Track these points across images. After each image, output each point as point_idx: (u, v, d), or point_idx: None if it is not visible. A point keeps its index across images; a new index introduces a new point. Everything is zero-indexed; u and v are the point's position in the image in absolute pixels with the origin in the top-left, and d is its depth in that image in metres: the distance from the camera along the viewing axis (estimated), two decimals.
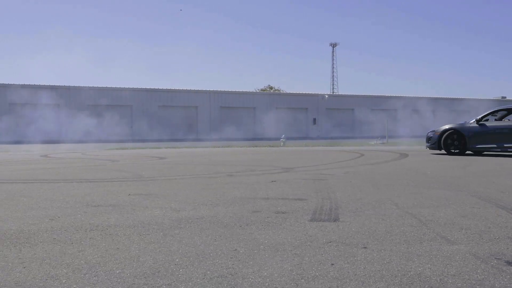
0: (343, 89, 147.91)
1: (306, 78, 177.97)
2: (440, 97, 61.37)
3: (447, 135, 17.84)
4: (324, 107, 52.63)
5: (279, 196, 7.44)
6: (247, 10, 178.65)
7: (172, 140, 41.66)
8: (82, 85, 43.88)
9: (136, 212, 6.20)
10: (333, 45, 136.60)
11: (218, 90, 48.38)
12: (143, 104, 45.18)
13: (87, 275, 3.55)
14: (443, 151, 18.25)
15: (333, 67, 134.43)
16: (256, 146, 32.29)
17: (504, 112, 17.85)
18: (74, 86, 44.59)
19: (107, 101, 43.41)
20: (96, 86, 43.88)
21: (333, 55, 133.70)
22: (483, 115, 17.95)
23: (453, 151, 17.69)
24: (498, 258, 3.91)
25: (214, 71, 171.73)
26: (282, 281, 3.38)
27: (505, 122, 17.30)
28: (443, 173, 11.17)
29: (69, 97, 42.24)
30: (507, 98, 77.48)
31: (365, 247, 4.30)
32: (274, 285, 3.30)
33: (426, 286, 3.27)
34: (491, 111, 18.36)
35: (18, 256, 4.08)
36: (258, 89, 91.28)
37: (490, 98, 71.51)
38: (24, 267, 3.76)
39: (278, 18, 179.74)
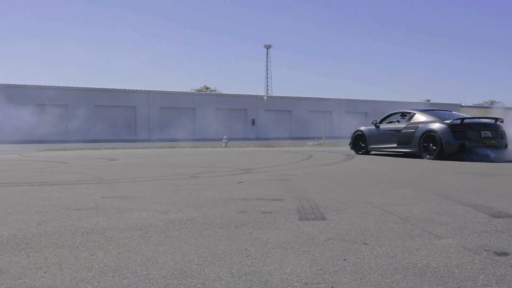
0: (277, 90, 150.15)
1: (242, 79, 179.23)
2: (372, 99, 63.99)
3: (356, 136, 19.13)
4: (262, 108, 53.38)
5: (255, 197, 7.65)
6: (181, 11, 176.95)
7: (110, 141, 40.61)
8: (15, 84, 41.75)
9: (122, 214, 6.20)
10: (268, 47, 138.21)
11: (157, 90, 47.78)
12: (79, 104, 43.69)
13: (115, 277, 3.60)
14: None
15: (267, 68, 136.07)
16: (198, 147, 32.25)
17: (398, 116, 19.05)
18: (6, 84, 42.34)
19: (41, 100, 41.55)
20: (29, 84, 41.91)
21: (267, 56, 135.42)
22: (382, 118, 19.25)
23: (359, 152, 18.89)
24: (486, 250, 4.34)
25: (152, 71, 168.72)
26: (308, 276, 3.61)
27: (392, 125, 18.44)
28: (397, 173, 11.85)
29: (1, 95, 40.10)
30: (432, 101, 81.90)
31: (365, 243, 4.61)
32: (303, 280, 3.52)
33: (438, 276, 3.61)
34: (388, 114, 19.63)
35: (31, 262, 4.04)
36: (195, 90, 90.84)
37: (416, 101, 75.19)
38: (45, 272, 3.74)
39: (213, 20, 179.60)
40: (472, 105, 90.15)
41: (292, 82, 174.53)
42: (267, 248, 4.46)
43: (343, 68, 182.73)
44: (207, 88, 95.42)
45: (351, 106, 56.95)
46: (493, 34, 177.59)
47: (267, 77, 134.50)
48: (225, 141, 36.08)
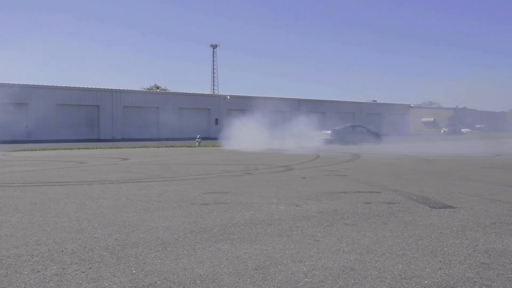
0: (223, 90, 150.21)
1: (189, 79, 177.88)
2: (329, 99, 65.96)
3: None
4: (226, 108, 53.88)
5: (350, 190, 8.42)
6: (125, 10, 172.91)
7: (72, 141, 39.58)
8: None
9: (264, 207, 6.77)
10: (214, 46, 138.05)
11: (121, 89, 46.96)
12: (41, 102, 42.20)
13: (368, 254, 4.26)
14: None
15: (213, 68, 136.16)
16: (172, 146, 32.25)
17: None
18: None
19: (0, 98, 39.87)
20: None
21: (213, 56, 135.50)
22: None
23: None
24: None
25: (101, 71, 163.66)
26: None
27: None
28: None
29: None
30: (378, 102, 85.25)
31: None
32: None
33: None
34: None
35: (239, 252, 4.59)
36: (145, 88, 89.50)
37: (362, 101, 77.94)
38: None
39: (157, 20, 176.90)
40: (418, 105, 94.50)
41: (238, 82, 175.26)
42: (445, 232, 5.23)
43: (291, 68, 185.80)
44: (158, 87, 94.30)
45: (311, 106, 58.63)
46: (440, 34, 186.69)
47: (213, 77, 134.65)
48: (199, 140, 36.28)
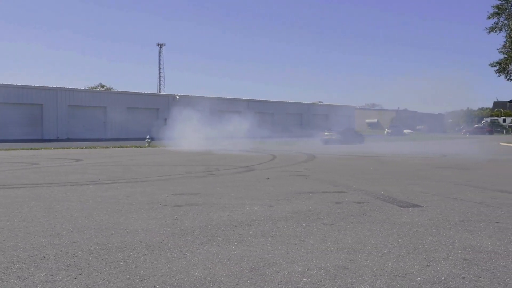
0: (170, 90, 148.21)
1: (136, 78, 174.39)
2: (273, 100, 66.60)
3: None
4: (175, 108, 53.04)
5: (317, 190, 8.58)
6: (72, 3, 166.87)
7: (13, 141, 37.80)
8: None
9: (238, 208, 6.79)
10: (160, 46, 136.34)
11: (66, 87, 45.27)
12: None
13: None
14: None
15: (160, 67, 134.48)
16: (122, 147, 31.68)
17: None
18: None
19: None
20: None
21: (160, 55, 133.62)
22: None
23: None
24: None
25: (45, 70, 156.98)
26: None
27: None
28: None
29: None
30: (324, 103, 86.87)
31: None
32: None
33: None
34: None
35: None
36: (89, 87, 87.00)
37: (308, 102, 79.08)
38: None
39: (103, 21, 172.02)
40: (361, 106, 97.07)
41: (186, 82, 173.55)
42: (420, 230, 5.46)
43: (238, 68, 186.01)
44: (103, 86, 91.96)
45: (260, 106, 58.99)
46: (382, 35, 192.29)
47: (159, 76, 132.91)
48: (148, 140, 35.82)
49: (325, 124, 63.66)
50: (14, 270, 3.93)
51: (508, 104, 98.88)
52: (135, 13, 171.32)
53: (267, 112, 60.03)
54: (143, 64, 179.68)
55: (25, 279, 3.73)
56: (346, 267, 3.99)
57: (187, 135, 45.99)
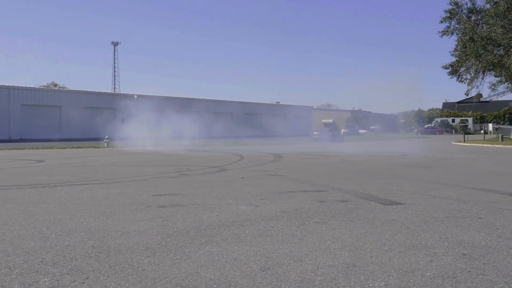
0: (124, 88, 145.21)
1: (89, 76, 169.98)
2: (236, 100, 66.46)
3: None
4: (133, 107, 52.03)
5: (296, 189, 8.63)
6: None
7: None
8: None
9: (225, 208, 6.75)
10: (115, 44, 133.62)
11: (19, 86, 43.49)
12: None
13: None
14: None
15: (114, 66, 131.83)
16: (80, 147, 30.86)
17: None
18: None
19: None
20: None
21: (114, 53, 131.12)
22: None
23: None
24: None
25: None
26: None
27: None
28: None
29: None
30: (281, 103, 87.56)
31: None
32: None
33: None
34: None
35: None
36: (42, 86, 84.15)
37: (267, 103, 79.61)
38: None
39: (53, 15, 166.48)
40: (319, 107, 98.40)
41: (139, 81, 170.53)
42: (412, 227, 5.59)
43: (192, 69, 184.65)
44: (55, 85, 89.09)
45: (219, 106, 58.76)
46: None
47: (114, 75, 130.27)
48: (107, 141, 35.10)
49: (284, 124, 64.28)
50: (14, 276, 3.75)
51: (456, 105, 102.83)
52: (88, 14, 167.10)
53: (226, 112, 59.90)
54: (97, 64, 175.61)
55: (30, 285, 3.56)
56: (354, 265, 4.03)
57: (145, 135, 45.33)
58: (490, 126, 79.33)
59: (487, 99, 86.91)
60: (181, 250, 4.51)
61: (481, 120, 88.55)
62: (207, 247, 4.62)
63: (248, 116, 62.48)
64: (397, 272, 3.83)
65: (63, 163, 15.28)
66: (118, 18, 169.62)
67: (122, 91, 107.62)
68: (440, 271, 3.87)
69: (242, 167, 13.78)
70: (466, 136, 41.66)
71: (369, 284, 3.56)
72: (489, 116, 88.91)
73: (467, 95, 51.35)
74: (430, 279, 3.68)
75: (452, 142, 38.91)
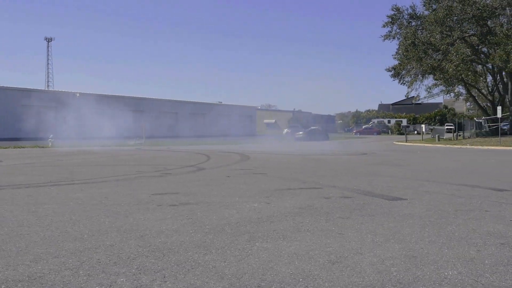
0: (58, 85, 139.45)
1: (21, 72, 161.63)
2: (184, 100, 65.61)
3: None
4: (76, 106, 50.05)
5: (290, 187, 8.76)
6: None
7: None
8: None
9: (239, 206, 6.75)
10: (48, 40, 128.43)
11: None
12: None
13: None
14: None
15: (48, 62, 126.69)
16: (23, 147, 29.41)
17: None
18: None
19: None
20: None
21: (48, 49, 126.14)
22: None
23: None
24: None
25: None
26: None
27: None
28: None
29: None
30: (223, 103, 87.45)
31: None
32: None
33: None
34: None
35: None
36: None
37: (207, 102, 78.92)
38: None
39: None
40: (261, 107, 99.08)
41: (74, 78, 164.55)
42: (432, 220, 5.87)
43: (128, 70, 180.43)
44: None
45: (162, 106, 57.87)
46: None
47: (47, 71, 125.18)
48: (51, 140, 33.81)
49: (228, 124, 64.28)
50: (84, 278, 3.59)
51: (391, 106, 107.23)
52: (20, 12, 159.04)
53: (171, 112, 59.09)
54: (30, 60, 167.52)
55: (110, 285, 3.43)
56: (414, 256, 4.19)
57: (90, 134, 43.91)
58: (423, 127, 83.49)
59: (419, 102, 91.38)
60: (234, 247, 4.48)
61: (414, 121, 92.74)
62: (257, 243, 4.62)
63: (193, 116, 61.95)
64: (459, 262, 4.02)
65: (26, 163, 14.54)
66: (51, 17, 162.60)
67: (56, 88, 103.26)
68: (494, 259, 4.10)
69: (218, 166, 13.73)
70: (406, 136, 43.60)
71: (444, 272, 3.72)
72: (422, 118, 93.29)
73: (407, 97, 53.67)
74: (492, 267, 3.89)
75: (394, 142, 40.59)
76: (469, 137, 39.30)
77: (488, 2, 36.54)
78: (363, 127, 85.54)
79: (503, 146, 27.63)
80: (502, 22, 37.43)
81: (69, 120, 48.34)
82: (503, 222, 5.67)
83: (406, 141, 38.68)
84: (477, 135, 40.03)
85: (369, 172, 11.82)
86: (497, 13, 36.84)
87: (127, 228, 5.29)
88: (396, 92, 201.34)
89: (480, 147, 28.66)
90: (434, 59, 38.53)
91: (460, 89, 50.70)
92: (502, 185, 9.19)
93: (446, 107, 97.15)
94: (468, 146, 29.40)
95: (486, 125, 42.44)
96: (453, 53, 37.41)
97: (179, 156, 18.34)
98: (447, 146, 31.48)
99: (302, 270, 3.77)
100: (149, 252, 4.29)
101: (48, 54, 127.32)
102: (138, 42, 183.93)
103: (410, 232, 5.13)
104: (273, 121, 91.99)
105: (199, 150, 23.73)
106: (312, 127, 53.98)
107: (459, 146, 30.08)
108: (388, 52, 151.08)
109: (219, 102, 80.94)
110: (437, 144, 34.57)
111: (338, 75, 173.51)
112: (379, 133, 79.72)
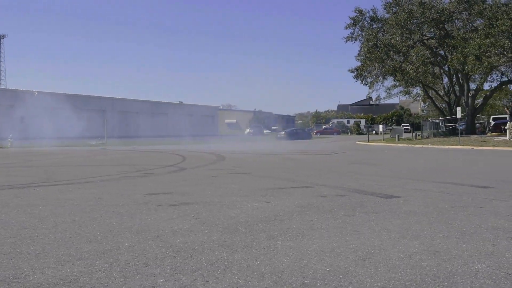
0: (12, 84, 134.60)
1: None
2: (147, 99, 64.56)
3: None
4: (33, 105, 48.29)
5: (284, 186, 8.81)
6: None
7: None
8: None
9: (239, 205, 6.74)
10: (1, 37, 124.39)
11: None
12: None
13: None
14: None
15: (0, 60, 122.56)
16: None
17: None
18: None
19: None
20: None
21: (0, 47, 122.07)
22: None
23: None
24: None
25: None
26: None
27: None
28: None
29: None
30: (184, 102, 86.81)
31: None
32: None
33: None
34: None
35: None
36: None
37: (171, 102, 78.52)
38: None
39: None
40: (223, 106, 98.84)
41: (29, 77, 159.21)
42: (434, 216, 6.05)
43: (87, 69, 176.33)
44: None
45: (124, 105, 56.75)
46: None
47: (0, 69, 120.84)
48: (11, 140, 32.83)
49: (190, 124, 63.81)
50: (121, 279, 3.50)
51: (349, 107, 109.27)
52: None
53: (132, 112, 58.10)
54: None
55: (153, 287, 3.36)
56: (437, 251, 4.30)
57: (50, 134, 42.59)
58: (381, 127, 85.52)
59: (376, 102, 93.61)
60: (257, 245, 4.47)
61: (372, 122, 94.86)
62: (278, 242, 4.62)
63: (154, 116, 61.13)
64: (481, 256, 4.15)
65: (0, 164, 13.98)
66: (6, 14, 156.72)
67: (9, 86, 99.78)
68: None
69: (197, 166, 13.62)
70: (368, 136, 44.58)
71: (473, 266, 3.84)
72: (379, 118, 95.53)
73: (369, 98, 54.84)
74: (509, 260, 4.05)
75: (356, 142, 41.45)
76: (427, 137, 40.58)
77: (446, 6, 37.83)
78: (323, 127, 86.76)
79: (462, 145, 28.66)
80: (459, 26, 38.86)
81: (26, 120, 46.74)
82: (502, 217, 5.89)
83: (369, 141, 39.50)
84: (435, 135, 41.36)
85: (351, 171, 12.02)
86: (454, 17, 38.21)
87: (139, 229, 5.18)
88: (355, 92, 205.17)
89: (441, 146, 29.62)
90: (396, 61, 39.54)
91: (418, 90, 52.24)
92: (483, 182, 9.53)
93: (402, 107, 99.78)
94: (429, 146, 30.33)
95: (443, 125, 43.89)
96: (413, 55, 38.52)
97: (153, 156, 18.08)
98: (409, 145, 32.37)
99: (337, 267, 3.81)
100: (174, 252, 4.23)
101: (0, 52, 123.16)
102: (94, 41, 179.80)
103: (421, 228, 5.25)
104: (234, 121, 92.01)
105: (168, 150, 23.48)
106: (291, 129, 58.24)
107: (420, 146, 30.98)
108: (350, 52, 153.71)
109: (179, 101, 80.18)
110: (398, 143, 35.49)
111: (298, 75, 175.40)
112: (339, 133, 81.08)
